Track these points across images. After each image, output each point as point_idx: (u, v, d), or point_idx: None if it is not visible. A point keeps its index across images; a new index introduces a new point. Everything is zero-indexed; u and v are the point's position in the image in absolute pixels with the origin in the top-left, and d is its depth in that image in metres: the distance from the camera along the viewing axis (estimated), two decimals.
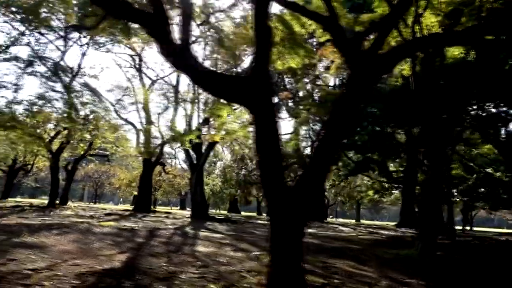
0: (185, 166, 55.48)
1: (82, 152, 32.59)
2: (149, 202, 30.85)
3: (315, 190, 5.99)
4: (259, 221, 29.01)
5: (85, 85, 24.80)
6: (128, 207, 44.99)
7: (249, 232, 17.66)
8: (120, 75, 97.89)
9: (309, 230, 21.82)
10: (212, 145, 27.59)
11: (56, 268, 6.86)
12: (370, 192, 50.97)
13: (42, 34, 20.59)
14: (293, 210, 5.75)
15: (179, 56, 5.94)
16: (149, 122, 30.67)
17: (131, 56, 31.69)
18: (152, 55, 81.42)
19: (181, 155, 52.65)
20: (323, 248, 12.63)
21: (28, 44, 21.73)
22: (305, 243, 12.37)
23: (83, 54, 24.33)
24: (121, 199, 69.92)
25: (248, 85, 5.77)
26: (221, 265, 8.31)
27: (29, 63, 20.37)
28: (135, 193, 55.04)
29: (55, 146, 27.41)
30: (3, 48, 20.94)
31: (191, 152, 26.51)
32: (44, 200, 43.89)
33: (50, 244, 9.51)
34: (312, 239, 15.25)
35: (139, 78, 31.26)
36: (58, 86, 21.78)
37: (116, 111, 31.81)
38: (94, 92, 25.38)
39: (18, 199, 43.95)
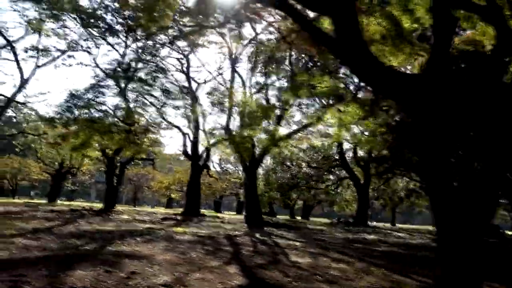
0: (218, 168, 55.67)
1: (130, 156, 32.65)
2: (198, 206, 30.58)
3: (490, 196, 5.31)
4: (309, 226, 28.35)
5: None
6: (170, 210, 45.09)
7: (319, 238, 16.99)
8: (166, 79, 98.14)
9: (371, 236, 21.00)
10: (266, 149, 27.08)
11: (187, 283, 6.42)
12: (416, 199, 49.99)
13: (104, 39, 20.66)
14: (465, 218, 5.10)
15: None
16: (197, 125, 30.49)
17: (178, 59, 31.57)
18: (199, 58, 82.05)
19: (215, 158, 52.40)
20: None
21: (87, 49, 21.90)
22: (395, 253, 11.58)
23: (139, 59, 24.34)
24: (155, 202, 70.44)
25: None
26: (345, 279, 7.71)
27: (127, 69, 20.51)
28: (173, 195, 55.51)
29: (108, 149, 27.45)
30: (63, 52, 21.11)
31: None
32: (82, 203, 44.60)
33: (149, 254, 9.15)
34: (398, 249, 14.44)
35: (187, 81, 31.06)
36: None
37: (162, 115, 31.79)
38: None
39: (64, 202, 44.63)
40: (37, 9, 20.15)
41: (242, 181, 37.11)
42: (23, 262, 7.51)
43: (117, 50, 22.09)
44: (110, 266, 7.39)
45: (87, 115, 18.05)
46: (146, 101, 24.21)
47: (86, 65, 22.70)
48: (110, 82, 21.54)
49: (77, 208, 25.98)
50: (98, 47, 21.95)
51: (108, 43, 21.40)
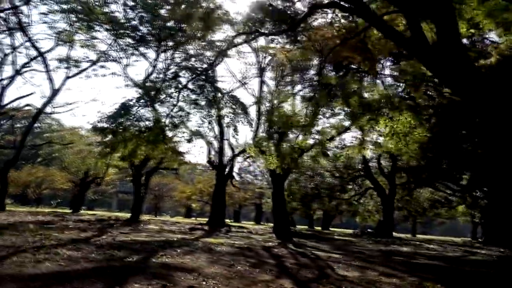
0: (237, 178, 55.36)
1: (154, 165, 32.73)
2: (223, 216, 30.36)
3: None
4: (336, 236, 27.87)
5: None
6: (191, 220, 45.06)
7: (355, 250, 16.57)
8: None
9: (404, 249, 20.44)
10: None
11: None
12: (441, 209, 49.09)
13: (136, 49, 20.83)
14: None
15: None
16: (222, 134, 30.43)
17: (204, 69, 31.61)
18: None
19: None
20: None
21: (118, 59, 22.11)
22: (439, 267, 10.92)
23: (167, 69, 24.42)
24: (169, 212, 70.13)
25: None
26: None
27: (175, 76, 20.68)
28: (194, 205, 55.41)
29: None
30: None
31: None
32: (105, 213, 44.84)
33: (197, 266, 8.96)
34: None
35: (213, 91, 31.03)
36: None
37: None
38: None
39: (88, 211, 44.96)
40: (69, 20, 20.47)
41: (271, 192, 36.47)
42: (76, 275, 7.39)
43: (149, 61, 22.20)
44: (164, 279, 7.22)
45: (136, 125, 18.10)
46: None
47: (119, 75, 22.97)
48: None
49: (104, 218, 26.07)
50: (129, 58, 22.11)
51: (141, 54, 21.57)
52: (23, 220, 20.08)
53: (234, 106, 24.27)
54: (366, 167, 41.07)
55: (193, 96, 21.96)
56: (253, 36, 15.91)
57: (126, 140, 17.18)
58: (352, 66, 17.35)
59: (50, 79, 25.11)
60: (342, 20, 12.09)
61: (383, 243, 23.71)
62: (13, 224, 16.86)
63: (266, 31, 14.91)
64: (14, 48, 26.51)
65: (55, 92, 25.23)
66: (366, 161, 40.58)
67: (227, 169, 31.11)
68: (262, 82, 27.26)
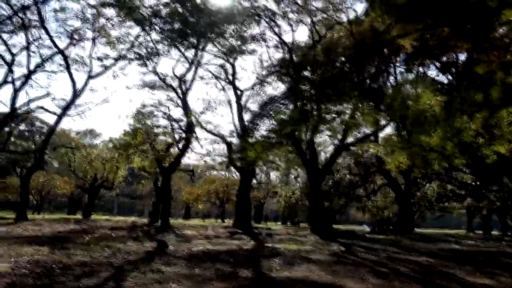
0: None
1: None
2: (249, 218, 29.36)
3: None
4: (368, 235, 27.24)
5: None
6: (196, 221, 43.94)
7: (419, 251, 15.86)
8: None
9: (456, 246, 19.93)
10: (334, 157, 26.09)
11: None
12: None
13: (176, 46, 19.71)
14: None
15: None
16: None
17: (221, 66, 30.63)
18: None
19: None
20: None
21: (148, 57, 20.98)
22: None
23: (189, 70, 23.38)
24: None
25: None
26: None
27: None
28: (201, 206, 54.23)
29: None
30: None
31: None
32: (113, 217, 43.16)
33: (332, 282, 8.09)
34: None
35: (232, 89, 30.09)
36: None
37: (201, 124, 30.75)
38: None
39: (98, 217, 43.24)
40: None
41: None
42: None
43: (186, 58, 21.17)
44: None
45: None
46: None
47: (154, 73, 21.79)
48: None
49: (135, 224, 24.94)
50: (160, 55, 21.01)
51: (179, 50, 20.47)
52: (61, 230, 18.81)
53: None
54: (380, 163, 40.70)
55: None
56: None
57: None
58: None
59: (72, 79, 23.69)
60: None
61: (425, 241, 23.17)
62: (64, 236, 15.68)
63: None
64: (27, 46, 24.98)
65: (77, 93, 23.82)
66: (380, 157, 40.23)
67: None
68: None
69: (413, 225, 39.16)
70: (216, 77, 31.36)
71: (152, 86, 28.59)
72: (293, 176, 47.66)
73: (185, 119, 24.48)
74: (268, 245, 14.86)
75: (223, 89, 30.07)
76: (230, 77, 30.32)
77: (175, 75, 24.74)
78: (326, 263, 10.51)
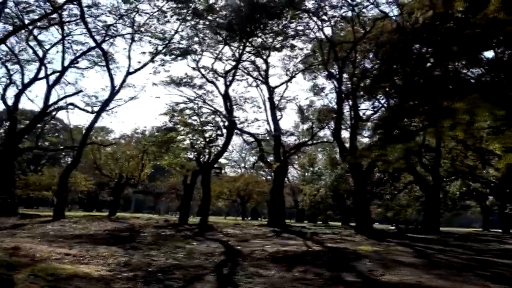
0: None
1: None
2: (283, 216, 28.91)
3: None
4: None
5: None
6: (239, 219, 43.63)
7: (487, 252, 15.36)
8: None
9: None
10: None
11: None
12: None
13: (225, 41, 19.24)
14: None
15: None
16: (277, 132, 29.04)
17: (253, 63, 30.19)
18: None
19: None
20: None
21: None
22: None
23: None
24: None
25: None
26: None
27: None
28: (221, 204, 53.91)
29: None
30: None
31: None
32: (139, 214, 42.84)
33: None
34: None
35: (266, 87, 29.64)
36: None
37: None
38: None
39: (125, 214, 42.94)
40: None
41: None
42: None
43: (233, 52, 20.74)
44: None
45: None
46: None
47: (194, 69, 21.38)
48: None
49: (169, 221, 24.76)
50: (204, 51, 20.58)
51: (228, 45, 20.03)
52: (108, 229, 18.46)
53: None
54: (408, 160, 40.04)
55: None
56: None
57: None
58: None
59: (110, 75, 23.33)
60: None
61: (469, 240, 22.66)
62: (120, 235, 15.34)
63: None
64: (63, 42, 24.69)
65: (116, 89, 23.45)
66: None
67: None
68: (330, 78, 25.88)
69: (439, 224, 38.49)
70: (248, 74, 31.08)
71: (186, 83, 28.34)
72: (316, 174, 47.18)
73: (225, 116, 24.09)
74: (331, 246, 14.44)
75: (257, 85, 29.69)
76: (263, 74, 29.94)
77: (216, 71, 24.36)
78: (421, 266, 10.04)
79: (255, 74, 30.39)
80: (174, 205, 64.18)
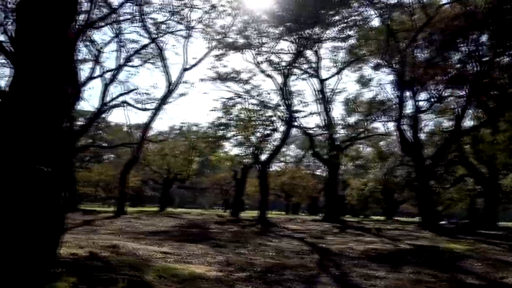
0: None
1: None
2: (339, 211, 28.34)
3: None
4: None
5: None
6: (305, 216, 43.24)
7: None
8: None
9: None
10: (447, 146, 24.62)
11: None
12: None
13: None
14: None
15: None
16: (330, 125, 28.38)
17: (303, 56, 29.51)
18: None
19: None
20: None
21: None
22: None
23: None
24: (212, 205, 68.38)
25: None
26: None
27: None
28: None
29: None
30: None
31: None
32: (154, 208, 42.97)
33: None
34: None
35: (317, 79, 28.99)
36: None
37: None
38: None
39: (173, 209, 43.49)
40: None
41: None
42: None
43: (299, 45, 20.26)
44: None
45: None
46: None
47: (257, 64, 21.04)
48: None
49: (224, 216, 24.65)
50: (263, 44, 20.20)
51: (288, 36, 19.53)
52: (174, 225, 18.55)
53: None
54: (460, 151, 38.33)
55: None
56: None
57: None
58: None
59: (167, 72, 23.39)
60: None
61: None
62: (193, 232, 15.30)
63: None
64: (119, 41, 24.90)
65: (173, 86, 23.52)
66: (461, 147, 37.92)
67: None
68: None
69: (497, 219, 36.64)
70: (297, 67, 30.50)
71: (232, 78, 28.13)
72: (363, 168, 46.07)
73: (284, 110, 23.71)
74: (413, 243, 13.83)
75: (308, 77, 29.07)
76: (315, 66, 29.31)
77: (273, 65, 23.94)
78: None
79: (304, 66, 29.76)
80: (217, 200, 64.64)
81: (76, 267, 6.47)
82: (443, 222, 42.78)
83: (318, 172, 56.77)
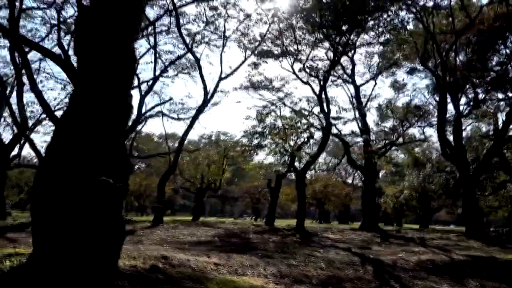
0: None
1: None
2: (377, 219, 27.62)
3: None
4: None
5: None
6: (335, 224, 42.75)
7: None
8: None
9: None
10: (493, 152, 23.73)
11: None
12: None
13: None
14: None
15: None
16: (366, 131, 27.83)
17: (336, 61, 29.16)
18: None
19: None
20: None
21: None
22: None
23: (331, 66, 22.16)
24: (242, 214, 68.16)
25: None
26: None
27: None
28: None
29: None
30: None
31: None
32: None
33: None
34: None
35: (352, 86, 28.58)
36: None
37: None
38: None
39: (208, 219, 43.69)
40: None
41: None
42: None
43: (336, 51, 20.04)
44: None
45: None
46: None
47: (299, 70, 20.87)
48: None
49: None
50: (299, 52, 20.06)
51: (331, 45, 19.39)
52: (214, 234, 18.46)
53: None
54: (501, 156, 36.79)
55: None
56: None
57: None
58: None
59: (203, 82, 23.53)
60: None
61: None
62: (239, 243, 15.17)
63: None
64: (156, 52, 25.25)
65: (210, 95, 23.66)
66: (502, 152, 36.39)
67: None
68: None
69: None
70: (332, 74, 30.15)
71: (265, 86, 28.10)
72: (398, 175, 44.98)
73: (321, 117, 23.42)
74: (465, 254, 13.20)
75: (343, 83, 28.72)
76: (349, 72, 28.93)
77: (310, 72, 23.70)
78: None
79: (339, 72, 29.43)
80: (246, 209, 64.59)
81: (138, 279, 6.41)
82: (491, 229, 41.11)
83: (349, 180, 56.00)
